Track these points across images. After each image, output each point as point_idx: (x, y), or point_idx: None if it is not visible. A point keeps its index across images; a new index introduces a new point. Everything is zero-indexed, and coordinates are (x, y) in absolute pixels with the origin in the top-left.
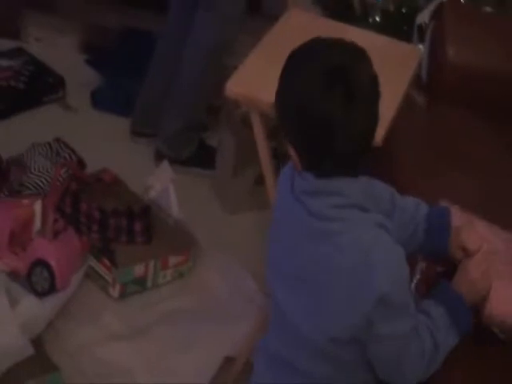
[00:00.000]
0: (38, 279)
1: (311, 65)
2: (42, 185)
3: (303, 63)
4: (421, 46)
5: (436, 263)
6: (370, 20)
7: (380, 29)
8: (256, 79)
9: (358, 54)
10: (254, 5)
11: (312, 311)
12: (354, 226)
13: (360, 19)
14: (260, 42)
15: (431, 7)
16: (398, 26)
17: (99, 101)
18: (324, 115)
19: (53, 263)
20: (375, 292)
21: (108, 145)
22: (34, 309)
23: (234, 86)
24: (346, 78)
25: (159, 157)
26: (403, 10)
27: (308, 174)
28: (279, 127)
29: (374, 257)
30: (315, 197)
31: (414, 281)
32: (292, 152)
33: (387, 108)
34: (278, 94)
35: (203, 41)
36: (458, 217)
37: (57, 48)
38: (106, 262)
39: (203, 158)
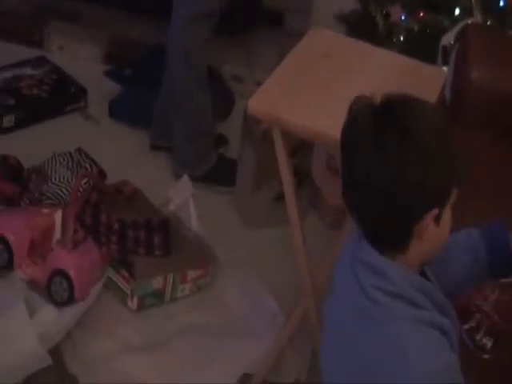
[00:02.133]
0: (57, 289)
1: None
2: (62, 195)
3: None
4: (445, 68)
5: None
6: (394, 39)
7: (403, 48)
8: (279, 98)
9: None
10: (275, 20)
11: None
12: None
13: (384, 38)
14: (283, 61)
15: (456, 29)
16: (422, 47)
17: (116, 111)
18: None
19: (72, 274)
20: None
21: (128, 156)
22: (52, 319)
23: (257, 104)
24: None
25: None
26: (428, 31)
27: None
28: None
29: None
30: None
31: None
32: None
33: None
34: None
35: (175, 43)
36: None
37: (79, 58)
38: (125, 273)
39: (222, 174)
